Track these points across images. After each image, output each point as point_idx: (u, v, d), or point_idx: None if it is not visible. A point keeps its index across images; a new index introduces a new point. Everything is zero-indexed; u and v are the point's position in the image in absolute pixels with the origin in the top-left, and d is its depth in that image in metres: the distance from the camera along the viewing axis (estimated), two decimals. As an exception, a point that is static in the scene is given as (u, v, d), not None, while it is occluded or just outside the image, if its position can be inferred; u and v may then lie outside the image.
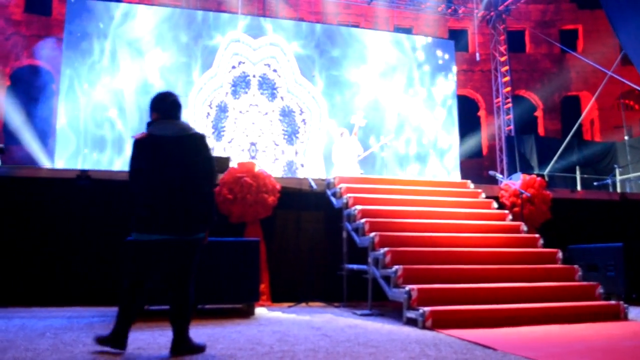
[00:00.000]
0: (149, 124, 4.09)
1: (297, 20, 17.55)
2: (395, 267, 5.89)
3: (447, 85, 17.17)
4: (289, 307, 7.05)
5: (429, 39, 17.61)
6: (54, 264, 7.01)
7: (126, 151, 13.83)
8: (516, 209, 8.34)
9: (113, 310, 5.77)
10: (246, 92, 15.14)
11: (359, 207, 7.03)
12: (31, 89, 16.88)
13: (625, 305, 6.01)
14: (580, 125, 19.30)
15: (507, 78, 19.28)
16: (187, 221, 3.92)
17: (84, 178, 7.36)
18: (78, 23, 14.37)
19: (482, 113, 21.06)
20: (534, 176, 8.91)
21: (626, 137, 17.76)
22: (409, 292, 5.54)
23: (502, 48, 19.42)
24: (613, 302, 6.15)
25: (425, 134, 16.60)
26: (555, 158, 16.62)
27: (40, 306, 6.59)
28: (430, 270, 6.07)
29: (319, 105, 15.61)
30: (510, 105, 19.23)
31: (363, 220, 6.76)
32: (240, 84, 15.15)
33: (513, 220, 7.70)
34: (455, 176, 16.27)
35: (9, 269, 6.91)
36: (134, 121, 14.13)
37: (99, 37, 14.39)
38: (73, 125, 13.86)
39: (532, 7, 21.07)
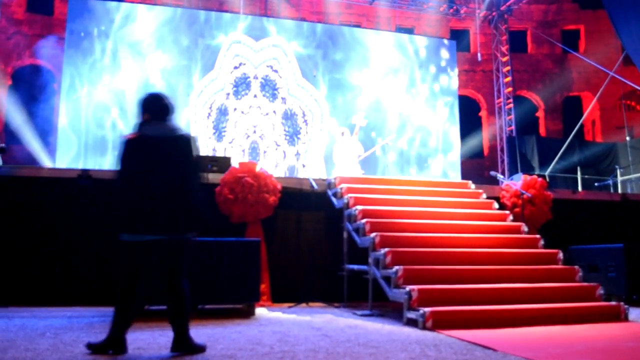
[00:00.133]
0: (139, 124, 4.10)
1: (299, 20, 17.55)
2: (396, 267, 5.89)
3: (449, 86, 17.16)
4: (290, 307, 7.06)
5: (431, 39, 17.61)
6: (55, 264, 7.02)
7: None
8: (517, 209, 8.33)
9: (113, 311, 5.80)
10: (246, 94, 15.15)
11: (359, 207, 7.03)
12: (33, 88, 16.90)
13: (626, 306, 6.00)
14: (582, 126, 19.29)
15: (509, 78, 19.26)
16: (177, 221, 3.95)
17: (85, 178, 7.37)
18: (80, 22, 14.39)
19: (483, 113, 21.05)
20: (535, 177, 8.91)
21: (628, 138, 17.74)
22: (409, 293, 5.54)
23: (504, 48, 19.40)
24: (613, 303, 6.14)
25: (426, 134, 16.59)
26: (556, 158, 16.61)
27: (40, 306, 6.59)
28: (431, 270, 6.06)
29: (321, 106, 15.61)
30: (511, 105, 19.21)
31: (364, 220, 6.76)
32: (241, 86, 15.16)
33: (514, 220, 7.69)
34: (456, 176, 16.26)
35: (10, 268, 6.92)
36: (135, 122, 14.10)
37: (100, 36, 14.41)
38: (74, 125, 13.87)
39: (534, 7, 21.05)
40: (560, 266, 6.75)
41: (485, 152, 20.76)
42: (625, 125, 18.50)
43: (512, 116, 19.04)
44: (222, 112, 14.92)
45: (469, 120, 19.42)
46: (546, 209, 8.59)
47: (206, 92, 14.93)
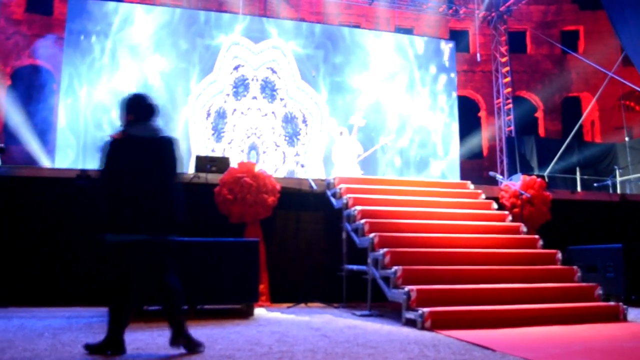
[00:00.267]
0: (125, 124, 4.11)
1: (298, 20, 17.55)
2: (395, 267, 5.89)
3: (448, 86, 17.17)
4: (288, 307, 7.06)
5: (430, 40, 17.61)
6: (53, 264, 7.02)
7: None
8: (516, 209, 8.33)
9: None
10: (245, 95, 15.15)
11: (358, 207, 7.03)
12: (32, 88, 16.89)
13: (625, 306, 6.00)
14: (581, 126, 19.29)
15: (508, 79, 19.27)
16: (160, 221, 3.99)
17: (83, 178, 7.36)
18: (79, 23, 14.38)
19: (482, 114, 21.05)
20: (534, 177, 8.91)
21: (627, 138, 17.75)
22: (408, 293, 5.54)
23: (503, 49, 19.40)
24: (612, 303, 6.14)
25: (425, 134, 16.59)
26: (555, 159, 16.62)
27: (39, 306, 6.59)
28: (430, 271, 6.07)
29: (320, 108, 15.62)
30: (510, 106, 19.21)
31: (363, 220, 6.77)
32: (240, 87, 15.16)
33: (513, 221, 7.70)
34: (455, 177, 16.26)
35: (8, 269, 6.92)
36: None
37: (99, 36, 14.41)
38: (73, 126, 13.88)
39: (533, 8, 21.05)
40: (559, 266, 6.75)
41: (485, 152, 20.76)
42: (624, 126, 18.52)
43: (511, 117, 19.04)
44: (221, 115, 14.93)
45: (468, 121, 19.41)
46: (545, 210, 8.59)
47: (205, 95, 14.93)
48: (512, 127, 18.91)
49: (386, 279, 6.01)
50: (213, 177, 7.69)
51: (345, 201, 7.30)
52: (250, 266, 6.11)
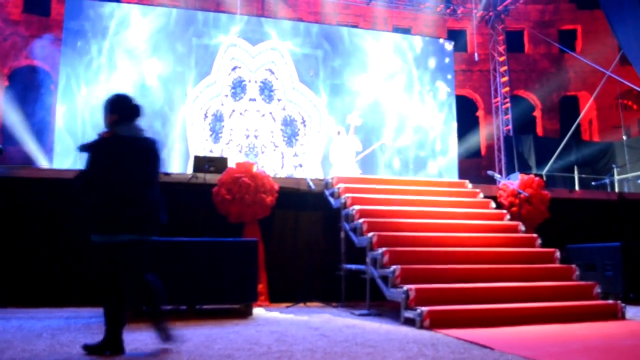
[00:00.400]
0: (112, 124, 4.11)
1: (296, 20, 17.55)
2: (393, 267, 5.89)
3: (446, 86, 17.18)
4: (287, 307, 7.05)
5: (428, 40, 17.63)
6: (52, 265, 7.01)
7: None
8: (514, 208, 8.34)
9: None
10: (242, 98, 15.15)
11: (357, 207, 7.03)
12: (29, 89, 16.88)
13: (623, 304, 6.01)
14: (579, 125, 19.32)
15: (506, 78, 19.29)
16: (147, 221, 4.04)
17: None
18: (76, 24, 14.39)
19: (480, 113, 21.06)
20: (532, 176, 8.92)
21: (624, 137, 17.78)
22: (406, 292, 5.54)
23: (501, 48, 19.43)
24: (611, 301, 6.16)
25: (424, 134, 16.60)
26: (553, 158, 16.63)
27: (38, 307, 6.58)
28: (428, 270, 6.07)
29: (319, 110, 15.63)
30: (508, 105, 19.24)
31: (361, 220, 6.77)
32: (238, 88, 15.17)
33: (511, 220, 7.71)
34: (454, 176, 16.27)
35: (7, 269, 6.91)
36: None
37: (95, 36, 14.41)
38: (71, 126, 13.87)
39: (531, 7, 21.08)
40: (557, 265, 6.76)
41: (483, 151, 20.77)
42: (622, 125, 18.54)
43: (509, 116, 19.07)
44: (218, 118, 14.94)
45: (466, 120, 19.44)
46: (543, 208, 8.60)
47: (202, 97, 14.94)
48: (510, 126, 18.94)
49: (385, 278, 6.01)
50: (211, 177, 7.69)
51: (343, 201, 7.30)
52: (248, 266, 6.11)
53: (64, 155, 13.70)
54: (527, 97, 21.45)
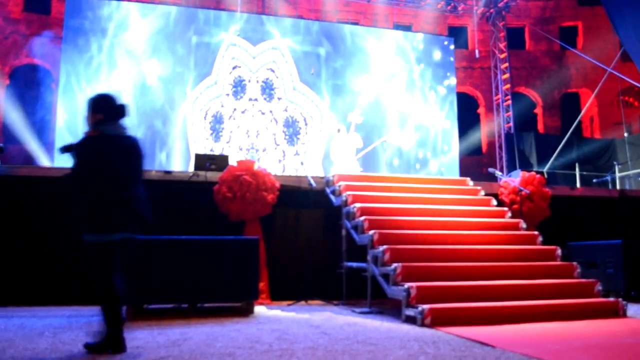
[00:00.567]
0: (97, 123, 4.10)
1: (297, 17, 17.53)
2: (394, 264, 5.89)
3: (447, 83, 17.17)
4: (288, 305, 7.06)
5: (429, 37, 17.61)
6: (54, 263, 7.01)
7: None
8: (515, 206, 8.34)
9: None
10: (242, 97, 15.14)
11: (358, 204, 7.03)
12: (30, 87, 16.88)
13: (624, 302, 6.01)
14: (580, 122, 19.30)
15: (507, 75, 19.27)
16: (135, 219, 4.07)
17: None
18: (77, 22, 14.40)
19: (481, 110, 21.05)
20: (533, 173, 8.91)
21: (625, 134, 17.77)
22: (407, 290, 5.54)
23: (502, 45, 19.40)
24: (612, 299, 6.14)
25: (425, 131, 16.60)
26: (554, 155, 16.63)
27: (39, 305, 6.59)
28: (429, 267, 6.07)
29: (320, 109, 15.63)
30: (509, 102, 19.22)
31: (362, 218, 6.77)
32: (239, 88, 15.17)
33: (512, 217, 7.70)
34: (455, 173, 16.27)
35: (9, 268, 6.91)
36: (132, 122, 14.19)
37: (95, 34, 14.42)
38: (72, 124, 13.87)
39: (532, 4, 21.05)
40: (558, 262, 6.75)
41: (484, 148, 20.76)
42: (623, 122, 18.52)
43: (510, 113, 19.04)
44: (218, 119, 14.94)
45: (467, 117, 19.43)
46: (544, 206, 8.59)
47: (203, 97, 14.94)
48: (511, 124, 18.92)
49: (386, 276, 6.01)
50: (212, 175, 7.69)
51: (344, 198, 7.30)
52: (250, 264, 6.11)
53: (65, 155, 13.69)
54: (528, 94, 21.43)
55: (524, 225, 7.44)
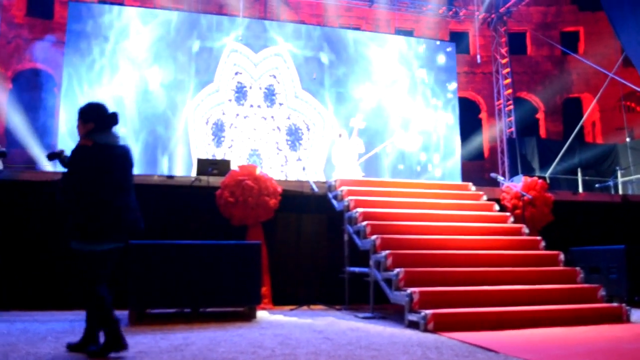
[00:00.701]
0: (90, 132, 4.12)
1: (298, 23, 17.56)
2: (397, 269, 5.88)
3: (449, 88, 17.18)
4: (291, 310, 7.05)
5: (431, 42, 17.64)
6: (57, 268, 7.00)
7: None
8: (518, 211, 8.32)
9: (115, 314, 5.79)
10: (243, 104, 15.17)
11: (360, 209, 7.02)
12: (33, 92, 16.92)
13: (628, 307, 6.00)
14: (582, 127, 19.30)
15: (509, 80, 19.28)
16: (127, 229, 4.08)
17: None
18: (79, 26, 14.44)
19: (483, 115, 21.06)
20: (535, 178, 8.90)
21: (628, 139, 17.75)
22: (410, 295, 5.53)
23: (503, 50, 19.42)
24: (615, 304, 6.13)
25: (427, 136, 16.61)
26: (556, 160, 16.62)
27: (42, 310, 6.59)
28: (432, 272, 6.06)
29: (322, 116, 15.65)
30: (511, 107, 19.23)
31: (364, 222, 6.76)
32: (241, 94, 15.20)
33: (515, 222, 7.68)
34: (457, 178, 16.26)
35: (12, 272, 6.91)
36: (134, 127, 14.26)
37: (97, 37, 14.46)
38: (74, 128, 13.84)
39: (533, 9, 21.07)
40: (561, 268, 6.74)
41: (486, 154, 20.76)
42: (625, 127, 18.51)
43: (512, 118, 19.05)
44: (219, 127, 14.97)
45: (469, 123, 19.43)
46: (547, 211, 8.58)
47: (205, 104, 14.97)
48: (513, 129, 18.92)
49: (388, 281, 6.00)
50: (214, 180, 7.69)
51: (346, 203, 7.29)
52: (252, 269, 6.11)
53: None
54: (530, 99, 21.44)
55: (526, 230, 7.43)
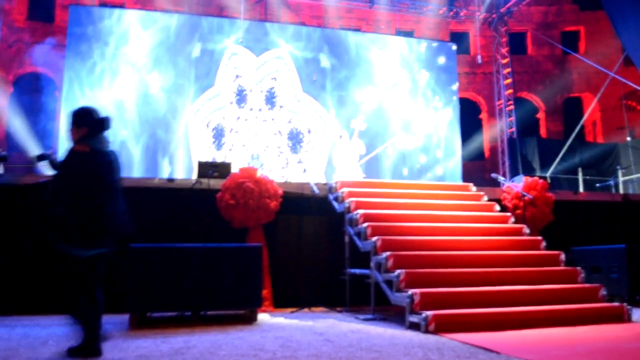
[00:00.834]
0: (84, 137, 4.12)
1: (299, 24, 17.57)
2: (398, 271, 5.88)
3: (449, 88, 17.18)
4: (292, 312, 7.05)
5: (431, 42, 17.64)
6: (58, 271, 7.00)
7: (124, 160, 13.96)
8: (518, 211, 8.32)
9: (116, 318, 5.81)
10: (244, 107, 15.17)
11: (361, 211, 7.02)
12: (34, 95, 16.95)
13: (629, 307, 5.99)
14: (583, 127, 19.29)
15: (509, 80, 19.28)
16: (116, 234, 4.12)
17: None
18: (80, 29, 14.47)
19: (484, 115, 21.05)
20: (536, 178, 8.89)
21: (628, 138, 17.73)
22: (411, 296, 5.53)
23: (504, 50, 19.42)
24: (616, 304, 6.12)
25: (427, 137, 16.60)
26: (557, 160, 16.60)
27: (43, 314, 6.59)
28: (433, 274, 6.06)
29: (323, 118, 15.65)
30: (512, 107, 19.22)
31: (365, 224, 6.76)
32: (242, 97, 15.21)
33: (515, 222, 7.68)
34: (457, 179, 16.26)
35: (12, 276, 6.92)
36: (135, 130, 14.28)
37: (98, 41, 14.49)
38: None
39: (534, 9, 21.06)
40: (562, 267, 6.74)
41: (486, 154, 20.75)
42: (626, 126, 18.49)
43: (513, 118, 19.04)
44: (219, 132, 14.98)
45: (470, 123, 19.42)
46: (548, 211, 8.57)
47: (206, 109, 14.99)
48: (514, 129, 18.91)
49: (389, 283, 6.00)
50: (215, 183, 7.70)
51: (347, 205, 7.30)
52: (253, 271, 6.11)
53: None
54: (530, 99, 21.43)
55: (527, 230, 7.42)
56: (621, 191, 15.07)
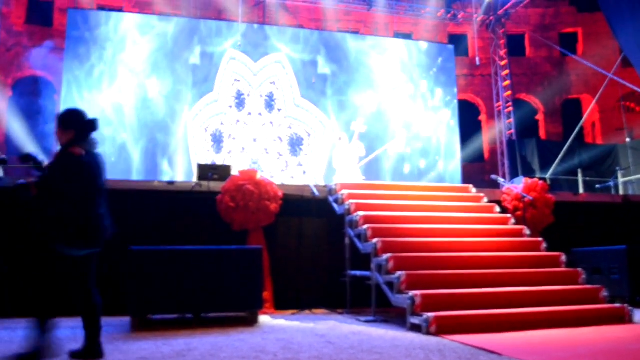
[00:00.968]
0: (76, 140, 4.10)
1: (297, 27, 17.57)
2: (399, 273, 5.88)
3: (448, 90, 17.19)
4: (293, 314, 7.05)
5: (429, 45, 17.65)
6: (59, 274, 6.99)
7: (124, 163, 13.96)
8: (519, 212, 8.32)
9: (117, 320, 5.80)
10: (242, 111, 15.17)
11: (361, 213, 7.02)
12: (33, 99, 16.93)
13: (630, 308, 5.99)
14: (582, 128, 19.29)
15: (508, 82, 19.29)
16: (104, 234, 4.14)
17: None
18: (79, 33, 14.48)
19: (483, 117, 21.05)
20: (536, 180, 8.90)
21: (628, 139, 17.74)
22: (412, 298, 5.53)
23: (502, 52, 19.44)
24: (617, 305, 6.12)
25: (427, 139, 16.60)
26: (557, 161, 16.61)
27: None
28: (434, 275, 6.06)
29: (324, 124, 15.65)
30: (511, 109, 19.23)
31: (365, 226, 6.76)
32: (241, 102, 15.20)
33: (516, 224, 7.69)
34: (457, 181, 16.25)
35: (13, 279, 6.90)
36: (134, 134, 14.29)
37: (96, 43, 14.50)
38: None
39: (532, 11, 21.09)
40: (563, 269, 6.74)
41: (486, 156, 20.75)
42: (625, 127, 18.51)
43: (512, 120, 19.05)
44: (218, 138, 14.97)
45: (469, 125, 19.42)
46: (548, 212, 8.58)
47: (202, 116, 14.98)
48: (513, 130, 18.92)
49: (390, 284, 6.00)
50: (215, 185, 7.70)
51: (347, 207, 7.29)
52: (253, 273, 6.11)
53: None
54: (529, 100, 21.44)
55: (527, 231, 7.43)
56: (621, 192, 15.08)
